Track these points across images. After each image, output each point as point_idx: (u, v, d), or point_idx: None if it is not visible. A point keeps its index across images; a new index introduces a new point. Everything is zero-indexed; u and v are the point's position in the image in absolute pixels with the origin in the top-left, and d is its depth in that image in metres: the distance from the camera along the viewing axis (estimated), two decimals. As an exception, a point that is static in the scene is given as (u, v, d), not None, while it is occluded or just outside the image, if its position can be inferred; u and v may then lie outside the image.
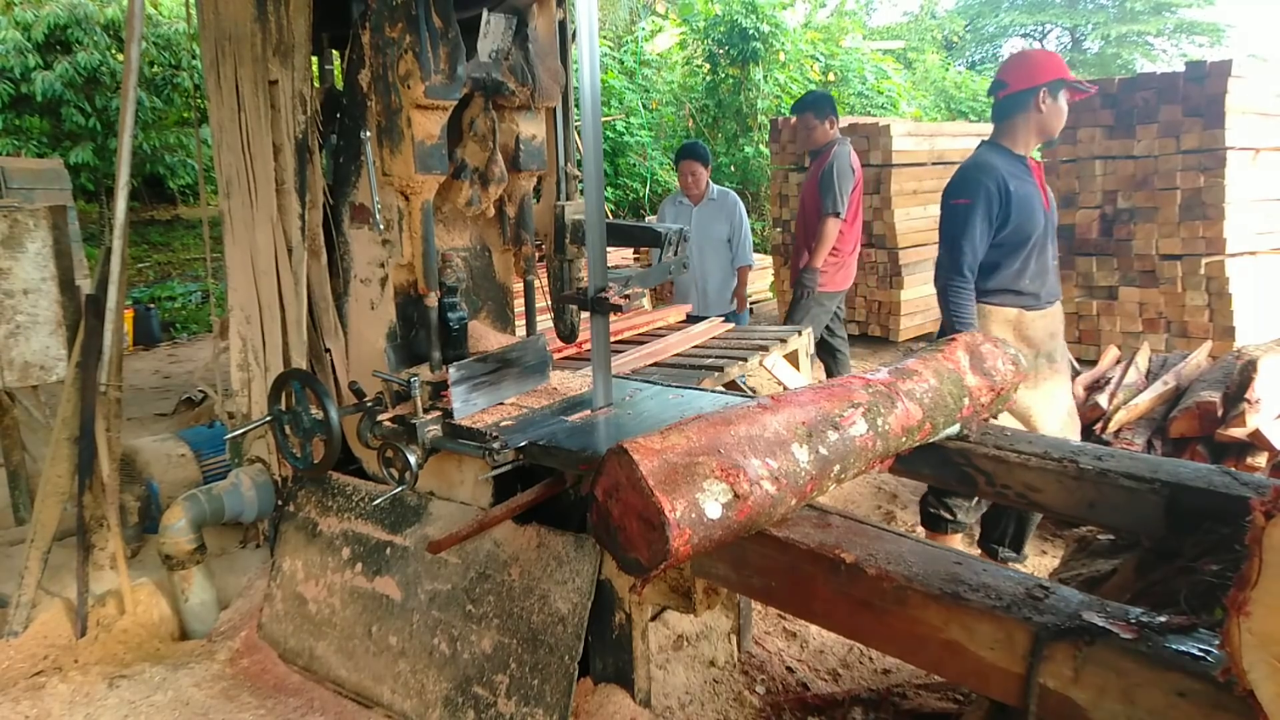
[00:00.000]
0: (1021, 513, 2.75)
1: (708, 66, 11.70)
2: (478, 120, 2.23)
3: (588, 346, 2.57)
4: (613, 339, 2.76)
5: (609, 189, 10.27)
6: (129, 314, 7.41)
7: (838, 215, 4.05)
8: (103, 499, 2.47)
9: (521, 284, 2.57)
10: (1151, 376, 3.33)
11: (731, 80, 11.33)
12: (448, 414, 2.05)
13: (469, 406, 2.10)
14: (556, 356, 3.12)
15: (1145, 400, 3.04)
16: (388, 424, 2.05)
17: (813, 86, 12.31)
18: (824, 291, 4.25)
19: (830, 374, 4.00)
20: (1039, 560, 3.06)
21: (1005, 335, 2.64)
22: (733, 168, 11.44)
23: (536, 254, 2.52)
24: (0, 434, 3.13)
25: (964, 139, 6.87)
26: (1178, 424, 2.89)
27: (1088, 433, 3.07)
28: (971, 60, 23.04)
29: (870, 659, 2.41)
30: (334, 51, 2.49)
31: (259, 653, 2.36)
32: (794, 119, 4.53)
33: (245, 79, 2.24)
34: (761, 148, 10.74)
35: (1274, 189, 5.53)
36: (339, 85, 2.25)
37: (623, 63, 12.00)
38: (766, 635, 2.49)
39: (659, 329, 4.15)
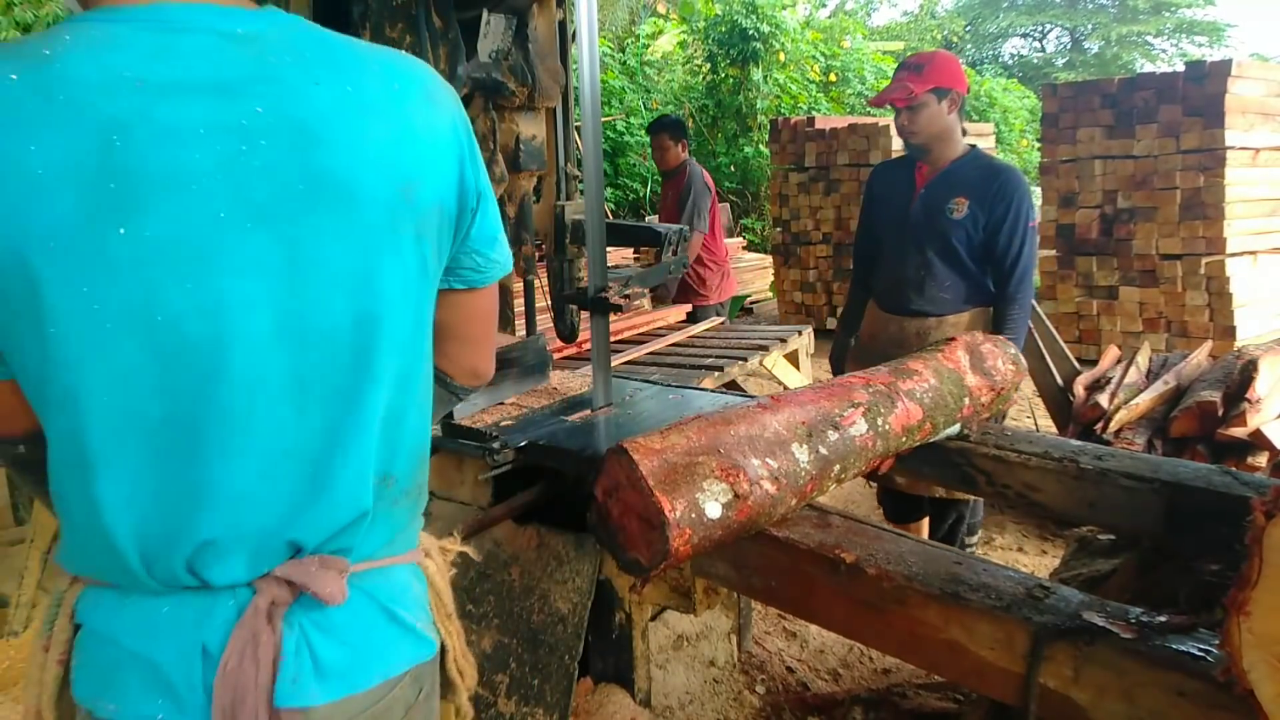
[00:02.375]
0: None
1: (708, 67, 11.70)
2: (478, 120, 2.23)
3: (588, 346, 2.58)
4: (613, 339, 2.76)
5: (609, 189, 10.27)
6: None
7: (700, 232, 4.39)
8: (103, 499, 2.47)
9: (521, 284, 2.57)
10: (1152, 376, 3.33)
11: (731, 80, 11.33)
12: (448, 413, 2.05)
13: (469, 406, 2.10)
14: (556, 356, 3.12)
15: (1145, 400, 3.03)
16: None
17: (813, 86, 12.32)
18: (715, 304, 4.59)
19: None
20: (1039, 560, 3.06)
21: (867, 327, 2.77)
22: (732, 167, 11.45)
23: (536, 254, 2.51)
24: (0, 434, 3.13)
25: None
26: (1178, 424, 2.88)
27: (1088, 433, 3.07)
28: (972, 60, 23.03)
29: (870, 659, 2.41)
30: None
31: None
32: (650, 138, 4.80)
33: (245, 79, 2.25)
34: (761, 148, 10.74)
35: (1274, 189, 5.53)
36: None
37: (624, 63, 12.00)
38: (766, 635, 2.49)
39: (659, 329, 4.15)
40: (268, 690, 0.73)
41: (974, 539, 2.87)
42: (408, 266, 0.79)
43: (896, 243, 2.59)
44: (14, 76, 0.64)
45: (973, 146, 2.57)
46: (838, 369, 2.92)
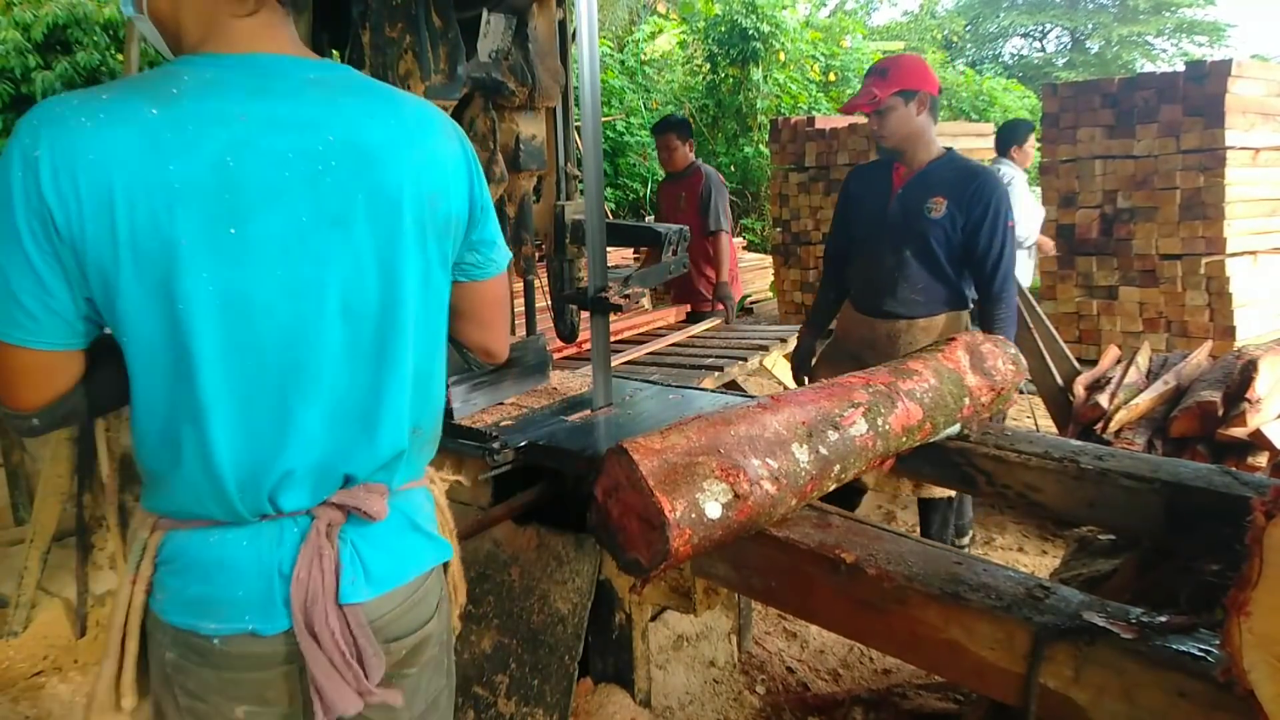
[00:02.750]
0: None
1: (708, 66, 11.69)
2: (478, 120, 2.23)
3: (588, 346, 2.58)
4: (612, 339, 2.76)
5: (609, 189, 10.26)
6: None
7: (725, 231, 4.28)
8: (102, 499, 2.47)
9: (521, 284, 2.57)
10: (1152, 376, 3.32)
11: (731, 80, 11.33)
12: (448, 414, 2.05)
13: (469, 406, 2.10)
14: (556, 356, 3.12)
15: (1145, 400, 3.03)
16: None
17: (813, 86, 12.30)
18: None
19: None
20: (1039, 560, 3.06)
21: (841, 325, 2.78)
22: (733, 167, 11.44)
23: (536, 254, 2.51)
24: (0, 434, 3.13)
25: (963, 138, 6.89)
26: (1178, 424, 2.88)
27: (1088, 433, 3.07)
28: (972, 60, 23.03)
29: (870, 659, 2.41)
30: (334, 51, 2.49)
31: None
32: (656, 139, 4.60)
33: (245, 79, 2.24)
34: (761, 148, 10.73)
35: (1274, 189, 5.53)
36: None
37: (623, 63, 11.99)
38: (766, 635, 2.49)
39: (659, 329, 4.15)
40: (333, 592, 0.95)
41: (964, 540, 2.87)
42: (430, 261, 1.02)
43: (873, 242, 2.60)
44: (154, 112, 0.84)
45: (949, 149, 2.59)
46: (800, 370, 2.91)
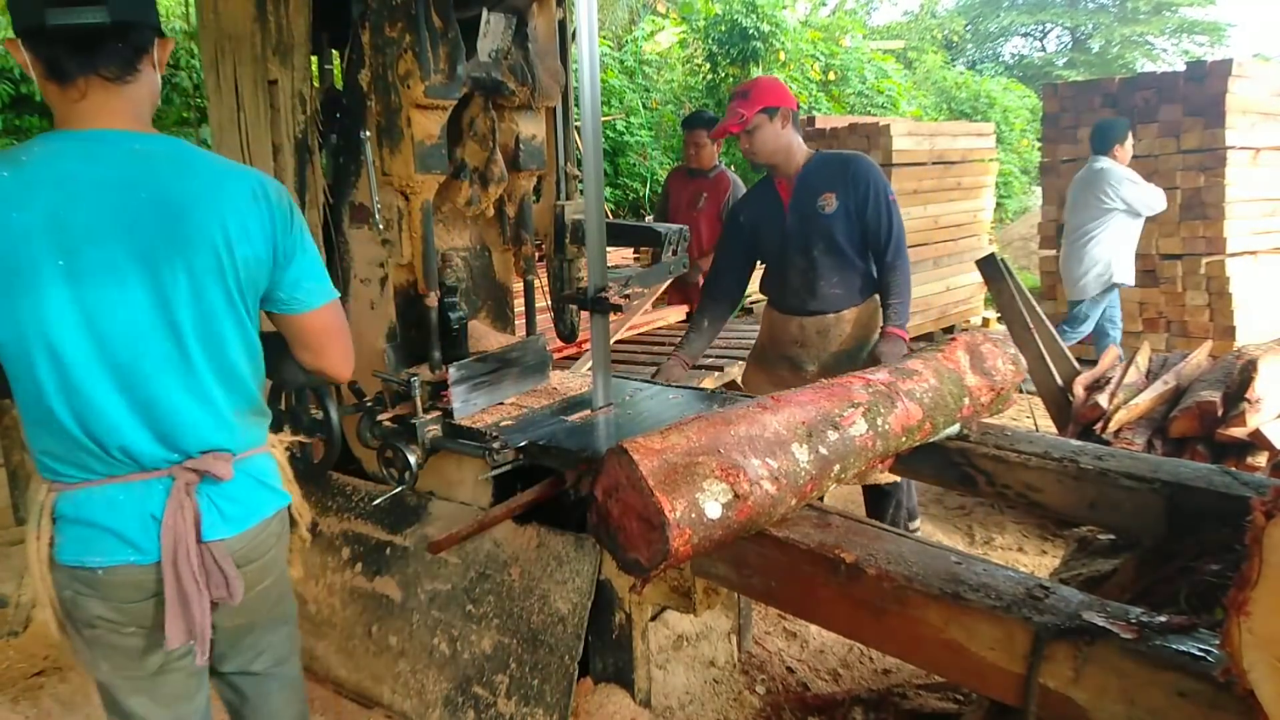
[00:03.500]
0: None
1: (708, 66, 11.69)
2: (477, 120, 2.23)
3: (588, 346, 2.57)
4: (612, 339, 2.76)
5: (609, 189, 10.25)
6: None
7: None
8: (102, 499, 2.47)
9: (521, 284, 2.57)
10: (1152, 376, 3.32)
11: (732, 80, 11.31)
12: (448, 414, 2.05)
13: (469, 406, 2.10)
14: (556, 356, 3.12)
15: (1145, 400, 3.03)
16: (387, 424, 2.05)
17: (813, 86, 12.30)
18: None
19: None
20: (1039, 560, 3.06)
21: (766, 330, 2.86)
22: (732, 167, 11.43)
23: (536, 254, 2.51)
24: (0, 434, 3.13)
25: (964, 138, 6.87)
26: (1178, 424, 2.88)
27: (1088, 433, 3.06)
28: (972, 60, 23.01)
29: (870, 659, 2.41)
30: (334, 51, 2.49)
31: (259, 653, 2.36)
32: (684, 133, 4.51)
33: (245, 79, 2.24)
34: (761, 147, 10.71)
35: (1274, 189, 5.52)
36: (339, 85, 2.25)
37: (623, 63, 11.99)
38: (766, 635, 2.49)
39: (659, 329, 4.16)
40: (196, 531, 1.27)
41: (915, 524, 2.89)
42: (230, 289, 1.30)
43: (779, 255, 2.70)
44: (5, 174, 1.17)
45: (816, 150, 2.73)
46: None
